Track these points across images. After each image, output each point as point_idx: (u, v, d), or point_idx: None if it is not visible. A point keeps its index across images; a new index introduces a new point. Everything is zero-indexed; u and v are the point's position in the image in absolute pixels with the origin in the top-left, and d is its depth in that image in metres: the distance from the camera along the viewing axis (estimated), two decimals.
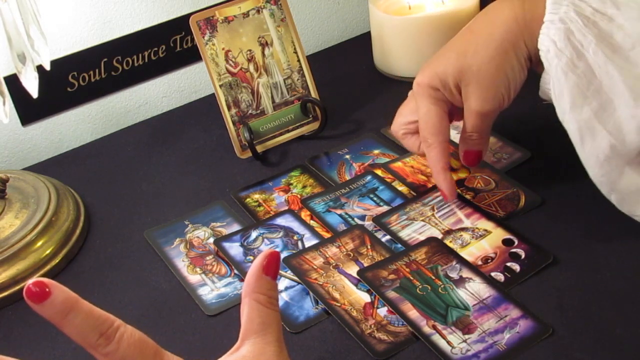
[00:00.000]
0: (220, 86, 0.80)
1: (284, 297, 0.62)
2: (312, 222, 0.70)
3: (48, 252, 0.68)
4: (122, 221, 0.74)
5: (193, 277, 0.65)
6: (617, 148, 0.56)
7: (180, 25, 0.92)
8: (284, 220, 0.71)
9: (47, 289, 0.38)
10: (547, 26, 0.57)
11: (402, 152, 0.78)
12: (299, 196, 0.74)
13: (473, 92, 0.62)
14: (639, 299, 0.57)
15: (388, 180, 0.74)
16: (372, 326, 0.58)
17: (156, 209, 0.75)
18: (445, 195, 0.66)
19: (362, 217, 0.70)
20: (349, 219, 0.69)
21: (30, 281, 0.38)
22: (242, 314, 0.43)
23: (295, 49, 0.83)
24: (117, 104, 0.93)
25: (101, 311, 0.40)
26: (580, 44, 0.56)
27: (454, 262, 0.62)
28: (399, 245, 0.65)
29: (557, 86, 0.57)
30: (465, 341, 0.55)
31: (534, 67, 0.62)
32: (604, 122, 0.56)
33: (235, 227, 0.71)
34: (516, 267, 0.61)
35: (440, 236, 0.65)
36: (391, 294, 0.60)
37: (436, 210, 0.69)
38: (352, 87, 0.93)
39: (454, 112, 0.67)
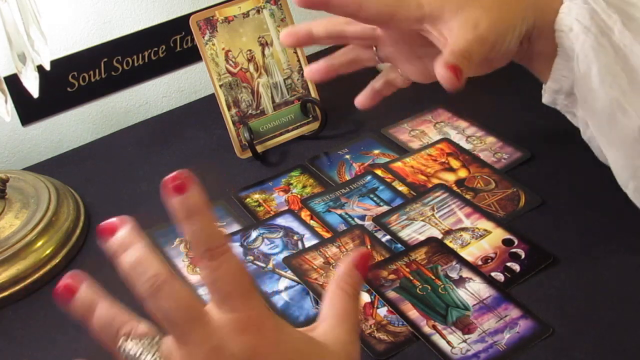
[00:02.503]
0: (220, 86, 0.80)
1: (284, 297, 0.62)
2: (312, 222, 0.70)
3: (48, 252, 0.68)
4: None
5: (193, 277, 0.65)
6: None
7: (180, 25, 0.92)
8: (284, 220, 0.70)
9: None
10: (567, 6, 0.56)
11: (402, 152, 0.78)
12: (299, 196, 0.74)
13: (480, 16, 0.55)
14: (639, 299, 0.57)
15: (388, 180, 0.74)
16: (372, 326, 0.58)
17: (156, 209, 0.75)
18: None
19: (362, 217, 0.70)
20: (349, 219, 0.69)
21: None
22: (325, 300, 0.44)
23: (295, 49, 0.83)
24: (117, 104, 0.93)
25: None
26: (604, 23, 0.54)
27: (454, 262, 0.62)
28: (399, 245, 0.65)
29: (583, 64, 0.55)
30: (465, 341, 0.55)
31: (522, 58, 0.61)
32: (633, 103, 0.54)
33: (235, 227, 0.71)
34: (516, 267, 0.61)
35: (440, 236, 0.65)
36: (391, 294, 0.60)
37: (436, 210, 0.69)
38: (352, 87, 0.93)
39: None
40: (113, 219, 0.41)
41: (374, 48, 0.65)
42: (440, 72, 0.53)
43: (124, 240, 0.40)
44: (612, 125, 0.55)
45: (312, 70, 0.65)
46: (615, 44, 0.55)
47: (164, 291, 0.37)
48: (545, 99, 0.61)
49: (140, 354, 0.39)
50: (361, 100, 0.67)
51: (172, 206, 0.39)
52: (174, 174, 0.39)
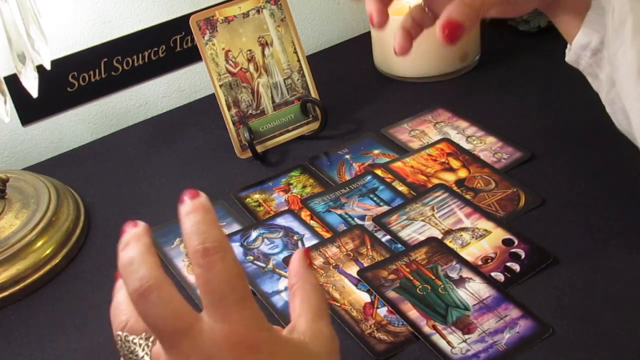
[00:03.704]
0: (220, 86, 0.80)
1: (284, 297, 0.62)
2: (312, 222, 0.70)
3: (48, 252, 0.68)
4: (122, 221, 0.73)
5: (193, 277, 0.65)
6: None
7: (180, 25, 0.92)
8: (284, 220, 0.71)
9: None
10: None
11: (402, 152, 0.78)
12: (299, 196, 0.74)
13: None
14: (639, 299, 0.57)
15: (388, 180, 0.74)
16: (372, 326, 0.58)
17: (156, 209, 0.75)
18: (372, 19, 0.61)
19: (362, 217, 0.70)
20: (349, 219, 0.69)
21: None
22: (295, 298, 0.42)
23: (295, 49, 0.83)
24: (117, 104, 0.93)
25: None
26: None
27: (454, 262, 0.62)
28: (399, 245, 0.65)
29: (618, 16, 0.54)
30: (465, 341, 0.55)
31: (548, 7, 0.59)
32: None
33: (235, 227, 0.71)
34: (516, 267, 0.61)
35: (440, 236, 0.65)
36: (391, 294, 0.60)
37: (436, 210, 0.69)
38: (352, 87, 0.93)
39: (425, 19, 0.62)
40: (133, 222, 0.41)
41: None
42: (437, 32, 0.54)
43: (128, 238, 0.39)
44: None
45: (400, 48, 0.62)
46: None
47: (153, 297, 0.36)
48: (569, 57, 0.60)
49: (133, 350, 0.38)
50: (399, 46, 0.62)
51: (180, 209, 0.39)
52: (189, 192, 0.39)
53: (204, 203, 0.39)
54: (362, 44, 0.99)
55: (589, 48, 0.58)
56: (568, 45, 0.60)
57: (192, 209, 0.39)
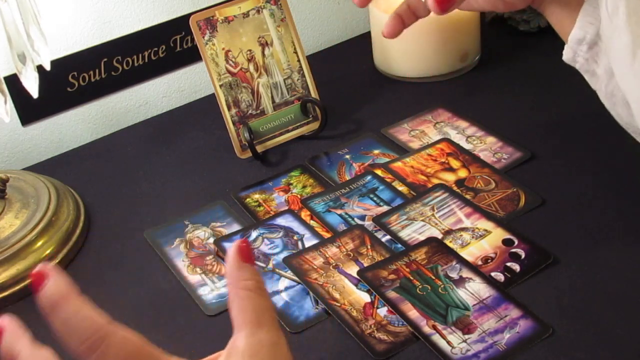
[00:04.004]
0: (220, 86, 0.80)
1: (283, 297, 0.62)
2: (312, 222, 0.70)
3: (48, 252, 0.68)
4: (122, 221, 0.74)
5: (193, 277, 0.65)
6: None
7: (180, 25, 0.92)
8: (284, 220, 0.71)
9: (44, 275, 0.36)
10: None
11: (402, 152, 0.78)
12: (299, 196, 0.74)
13: None
14: (639, 299, 0.57)
15: (388, 180, 0.74)
16: (372, 326, 0.58)
17: (156, 209, 0.75)
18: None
19: (362, 217, 0.70)
20: (349, 219, 0.69)
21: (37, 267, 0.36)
22: (233, 307, 0.40)
23: (295, 49, 0.83)
24: (117, 104, 0.93)
25: (91, 312, 0.37)
26: None
27: (454, 262, 0.62)
28: (399, 245, 0.65)
29: (611, 4, 0.54)
30: (465, 341, 0.55)
31: (541, 4, 0.60)
32: None
33: (235, 227, 0.71)
34: (516, 267, 0.61)
35: (440, 236, 0.65)
36: (391, 294, 0.60)
37: (436, 210, 0.69)
38: (352, 87, 0.93)
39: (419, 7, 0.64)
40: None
41: None
42: (429, 2, 0.55)
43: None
44: (636, 60, 0.54)
45: (386, 29, 0.64)
46: None
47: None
48: (566, 55, 0.60)
49: None
50: (388, 28, 0.64)
51: (40, 304, 0.37)
52: (32, 273, 0.37)
53: (59, 288, 0.38)
54: (362, 44, 0.99)
55: (585, 42, 0.58)
56: (565, 45, 0.60)
57: (53, 302, 0.38)
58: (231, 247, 0.41)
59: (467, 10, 0.65)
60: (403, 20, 0.64)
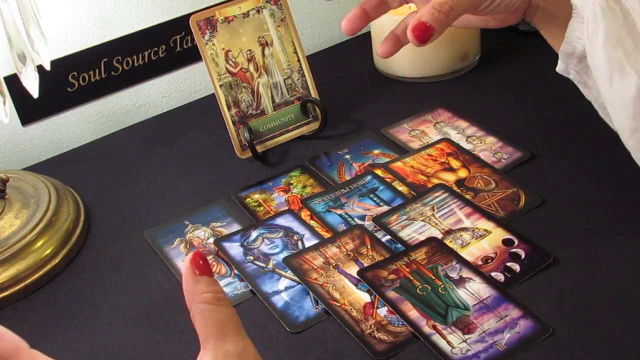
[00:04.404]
0: (220, 86, 0.80)
1: (283, 297, 0.62)
2: (312, 222, 0.70)
3: (48, 252, 0.68)
4: (122, 221, 0.74)
5: None
6: None
7: (180, 25, 0.92)
8: (284, 220, 0.71)
9: None
10: None
11: (402, 152, 0.78)
12: (299, 196, 0.74)
13: None
14: (639, 299, 0.57)
15: (388, 180, 0.74)
16: (372, 326, 0.58)
17: (156, 209, 0.75)
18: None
19: (362, 217, 0.70)
20: (349, 219, 0.69)
21: None
22: (195, 323, 0.40)
23: (295, 49, 0.83)
24: (117, 104, 0.93)
25: None
26: None
27: (454, 262, 0.62)
28: (399, 245, 0.65)
29: (592, 25, 0.56)
30: (465, 341, 0.55)
31: (535, 18, 0.61)
32: (634, 64, 0.55)
33: (235, 227, 0.71)
34: (516, 267, 0.61)
35: (440, 236, 0.65)
36: (391, 294, 0.60)
37: (436, 210, 0.69)
38: (352, 87, 0.93)
39: None
40: None
41: None
42: (408, 31, 0.56)
43: None
44: (613, 84, 0.56)
45: (349, 21, 0.63)
46: (625, 9, 0.56)
47: None
48: (559, 67, 0.61)
49: None
50: (383, 48, 0.64)
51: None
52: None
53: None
54: (362, 44, 0.99)
55: (574, 56, 0.59)
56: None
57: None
58: (185, 263, 0.41)
59: (459, 27, 0.66)
60: (400, 41, 0.64)
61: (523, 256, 0.62)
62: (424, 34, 0.57)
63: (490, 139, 0.78)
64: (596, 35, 0.56)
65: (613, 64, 0.56)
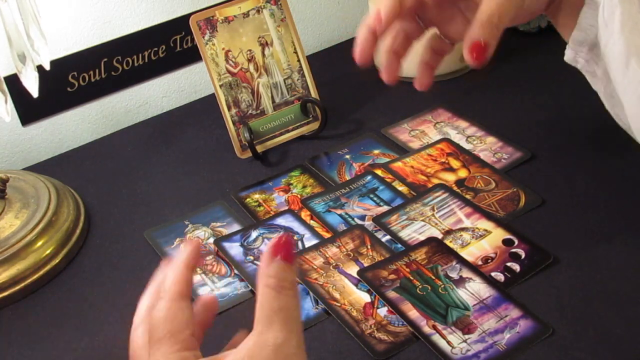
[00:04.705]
0: (220, 86, 0.80)
1: None
2: (312, 222, 0.70)
3: (48, 252, 0.68)
4: (122, 221, 0.74)
5: (193, 277, 0.65)
6: None
7: (180, 25, 0.92)
8: (284, 220, 0.71)
9: None
10: None
11: (402, 152, 0.78)
12: (299, 196, 0.74)
13: None
14: (639, 299, 0.57)
15: (388, 180, 0.74)
16: (372, 326, 0.58)
17: (156, 209, 0.75)
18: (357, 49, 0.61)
19: (362, 217, 0.70)
20: (349, 219, 0.69)
21: None
22: (257, 304, 0.40)
23: (295, 49, 0.83)
24: (117, 104, 0.93)
25: None
26: None
27: (454, 262, 0.62)
28: (399, 245, 0.65)
29: (607, 10, 0.55)
30: (465, 341, 0.55)
31: (548, 9, 0.60)
32: None
33: (235, 227, 0.71)
34: (516, 267, 0.61)
35: (440, 236, 0.65)
36: (391, 294, 0.60)
37: (436, 210, 0.69)
38: (352, 87, 0.93)
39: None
40: None
41: (417, 17, 0.62)
42: (466, 56, 0.55)
43: None
44: (629, 70, 0.55)
45: (387, 75, 0.63)
46: None
47: None
48: (567, 55, 0.60)
49: None
50: (420, 81, 0.63)
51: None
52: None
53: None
54: None
55: (585, 43, 0.58)
56: (567, 45, 0.60)
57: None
58: (272, 240, 0.42)
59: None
60: (432, 67, 0.63)
61: (523, 256, 0.62)
62: (482, 54, 0.56)
63: (490, 139, 0.78)
64: (612, 21, 0.55)
65: (630, 49, 0.54)
